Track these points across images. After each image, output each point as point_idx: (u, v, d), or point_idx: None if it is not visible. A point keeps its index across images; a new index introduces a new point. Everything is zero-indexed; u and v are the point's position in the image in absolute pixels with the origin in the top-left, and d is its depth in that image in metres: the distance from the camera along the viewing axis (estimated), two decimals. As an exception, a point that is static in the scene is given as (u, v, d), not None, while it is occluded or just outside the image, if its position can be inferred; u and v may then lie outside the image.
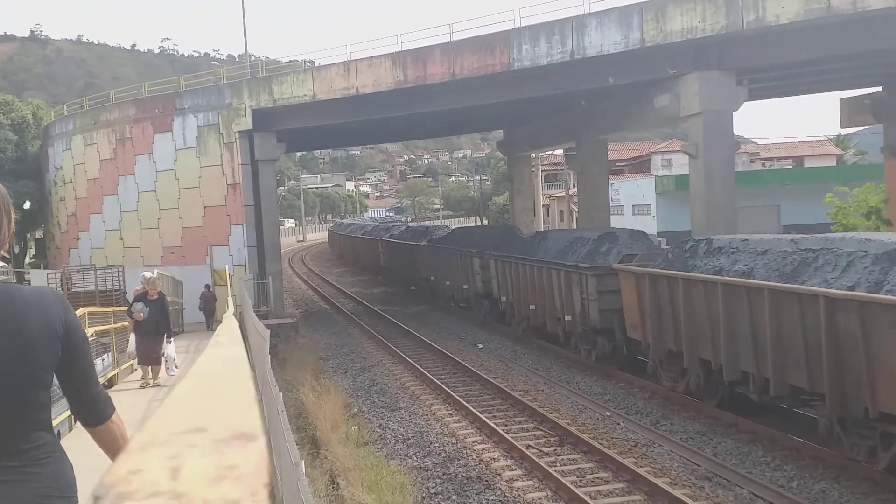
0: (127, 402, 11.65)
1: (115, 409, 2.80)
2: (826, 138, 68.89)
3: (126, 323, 15.51)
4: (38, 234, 44.52)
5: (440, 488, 11.77)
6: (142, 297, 14.07)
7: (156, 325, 13.86)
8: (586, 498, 10.70)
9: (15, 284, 3.07)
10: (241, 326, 7.47)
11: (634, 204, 50.64)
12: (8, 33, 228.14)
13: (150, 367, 14.09)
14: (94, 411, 2.74)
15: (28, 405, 2.53)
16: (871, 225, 32.46)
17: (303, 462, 4.79)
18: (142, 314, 13.64)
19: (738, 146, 50.39)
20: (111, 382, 14.66)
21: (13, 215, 2.68)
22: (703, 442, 13.28)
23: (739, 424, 13.70)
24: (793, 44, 22.25)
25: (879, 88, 31.10)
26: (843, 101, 33.57)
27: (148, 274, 14.83)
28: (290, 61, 35.70)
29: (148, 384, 13.92)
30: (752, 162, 60.41)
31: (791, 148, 64.98)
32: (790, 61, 23.60)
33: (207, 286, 27.12)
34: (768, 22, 21.59)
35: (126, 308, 15.40)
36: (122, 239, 32.45)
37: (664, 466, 12.22)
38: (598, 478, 11.90)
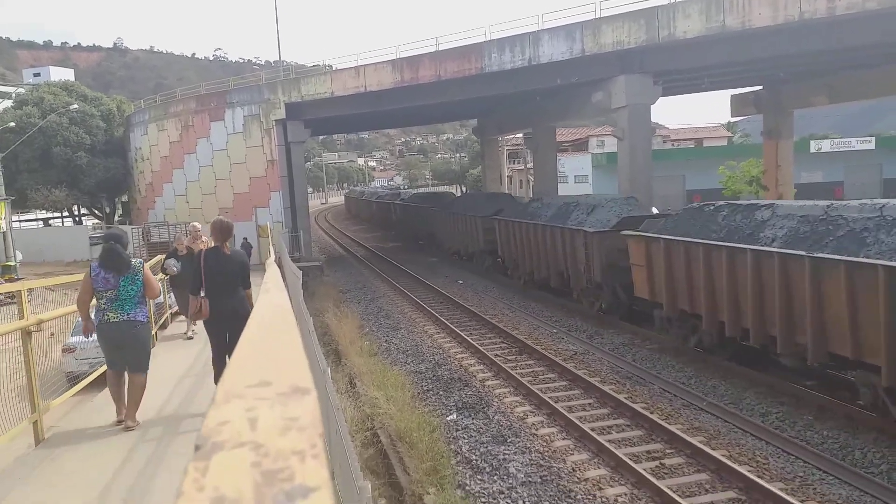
0: (176, 354, 10.84)
1: (251, 286, 6.76)
2: (720, 124, 68.65)
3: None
4: (124, 198, 43.95)
5: (431, 386, 11.92)
6: (173, 253, 11.29)
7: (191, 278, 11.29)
8: (538, 392, 10.89)
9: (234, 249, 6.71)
10: (280, 268, 7.48)
11: (576, 175, 50.34)
12: (96, 44, 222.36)
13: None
14: (246, 285, 6.73)
15: (235, 283, 6.64)
16: (752, 190, 32.56)
17: (329, 368, 4.84)
18: (174, 269, 10.88)
19: (654, 131, 50.31)
20: (164, 326, 12.49)
21: (232, 233, 6.85)
22: (625, 351, 13.48)
23: (651, 338, 13.92)
24: (696, 53, 22.08)
25: (760, 87, 31.02)
26: (733, 97, 33.47)
27: (197, 225, 11.12)
28: (314, 66, 35.26)
29: (190, 337, 11.10)
30: (665, 142, 60.03)
31: (693, 132, 64.59)
32: (694, 66, 23.42)
33: (245, 238, 26.92)
34: (678, 36, 21.38)
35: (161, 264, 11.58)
36: (188, 202, 32.11)
37: (596, 369, 12.42)
38: (547, 377, 12.09)
